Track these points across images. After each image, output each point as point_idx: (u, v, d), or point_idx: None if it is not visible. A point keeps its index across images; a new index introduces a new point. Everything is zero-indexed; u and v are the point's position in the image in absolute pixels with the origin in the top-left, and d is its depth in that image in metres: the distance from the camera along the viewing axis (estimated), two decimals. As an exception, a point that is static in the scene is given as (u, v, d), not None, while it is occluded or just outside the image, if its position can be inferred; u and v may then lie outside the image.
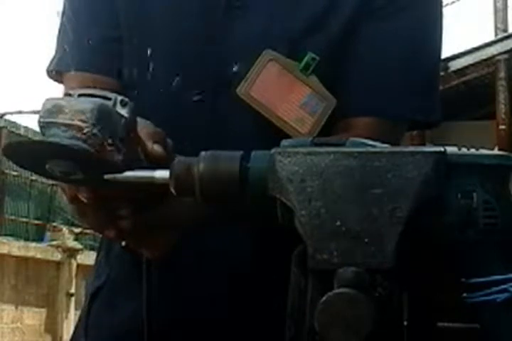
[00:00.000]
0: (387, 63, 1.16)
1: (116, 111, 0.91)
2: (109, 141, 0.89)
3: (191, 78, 1.17)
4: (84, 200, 0.95)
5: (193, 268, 1.15)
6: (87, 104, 0.89)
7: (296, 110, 1.12)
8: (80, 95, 0.92)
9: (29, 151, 0.90)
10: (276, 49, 1.13)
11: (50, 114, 0.89)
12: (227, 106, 1.14)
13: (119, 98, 0.92)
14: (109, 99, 0.92)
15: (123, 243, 1.03)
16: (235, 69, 1.14)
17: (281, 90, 1.12)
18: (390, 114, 1.16)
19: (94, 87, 0.99)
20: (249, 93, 1.12)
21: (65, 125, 0.88)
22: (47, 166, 0.89)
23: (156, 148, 0.98)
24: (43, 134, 0.89)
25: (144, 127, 0.97)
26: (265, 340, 1.09)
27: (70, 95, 0.92)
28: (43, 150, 0.89)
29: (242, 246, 1.15)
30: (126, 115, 0.92)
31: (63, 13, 1.26)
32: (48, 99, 0.91)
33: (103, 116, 0.89)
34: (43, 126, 0.89)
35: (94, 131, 0.88)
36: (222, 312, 1.15)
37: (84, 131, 0.88)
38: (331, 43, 1.15)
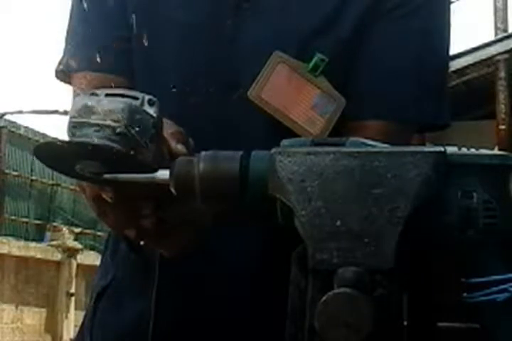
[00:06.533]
0: (399, 65, 1.16)
1: (145, 111, 0.91)
2: (140, 140, 0.89)
3: (200, 79, 1.17)
4: (109, 200, 0.95)
5: (202, 268, 1.15)
6: (118, 104, 0.89)
7: (307, 111, 1.12)
8: (107, 95, 0.91)
9: (60, 152, 0.90)
10: (286, 50, 1.13)
11: (81, 114, 0.89)
12: (237, 108, 1.14)
13: (147, 97, 0.92)
14: (137, 98, 0.92)
15: (141, 242, 1.03)
16: (244, 69, 1.14)
17: (291, 92, 1.12)
18: (400, 117, 1.16)
19: (115, 87, 0.98)
20: (260, 96, 1.12)
21: (98, 125, 0.88)
22: (77, 167, 0.89)
23: (180, 147, 0.98)
24: (73, 134, 0.89)
25: (167, 127, 0.98)
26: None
27: (96, 94, 0.91)
28: (74, 151, 0.89)
29: (253, 246, 1.15)
30: (154, 115, 0.92)
31: (71, 13, 1.26)
32: (77, 99, 0.91)
33: (134, 116, 0.89)
34: (75, 126, 0.89)
35: (127, 130, 0.88)
36: (229, 312, 1.15)
37: (117, 131, 0.88)
38: (341, 44, 1.15)
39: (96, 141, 0.87)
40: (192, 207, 0.94)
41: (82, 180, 0.94)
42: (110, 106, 0.89)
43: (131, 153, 0.89)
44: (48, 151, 0.91)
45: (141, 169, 0.89)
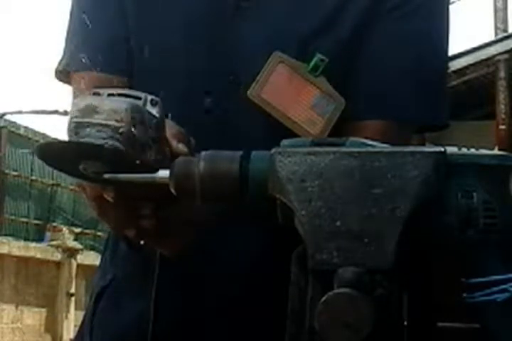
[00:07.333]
0: (399, 65, 1.16)
1: (148, 111, 0.91)
2: (143, 140, 0.89)
3: (201, 80, 1.17)
4: (110, 200, 0.95)
5: (202, 268, 1.15)
6: (121, 103, 0.89)
7: (307, 111, 1.12)
8: (109, 95, 0.91)
9: (63, 152, 0.90)
10: (286, 50, 1.13)
11: (84, 114, 0.88)
12: (238, 108, 1.14)
13: (149, 97, 0.92)
14: (139, 98, 0.91)
15: (141, 242, 1.03)
16: (244, 69, 1.14)
17: (291, 92, 1.12)
18: (400, 117, 1.16)
19: (111, 87, 0.98)
20: (260, 95, 1.12)
21: (101, 125, 0.87)
22: (80, 167, 0.89)
23: (181, 147, 0.98)
24: (76, 134, 0.89)
25: (168, 127, 0.98)
26: None
27: (98, 94, 0.91)
28: (77, 151, 0.88)
29: (253, 246, 1.15)
30: (157, 115, 0.92)
31: (71, 13, 1.26)
32: (79, 99, 0.91)
33: (137, 116, 0.89)
34: (77, 126, 0.88)
35: (129, 131, 0.88)
36: (229, 312, 1.15)
37: (120, 131, 0.87)
38: (340, 44, 1.15)
39: (99, 141, 0.87)
40: (192, 207, 0.94)
41: (85, 180, 0.94)
42: (113, 106, 0.89)
43: (134, 153, 0.89)
44: (50, 151, 0.90)
45: (143, 169, 0.89)
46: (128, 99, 0.90)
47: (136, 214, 0.97)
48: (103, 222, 1.03)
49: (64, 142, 0.90)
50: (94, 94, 0.92)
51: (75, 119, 0.89)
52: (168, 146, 0.97)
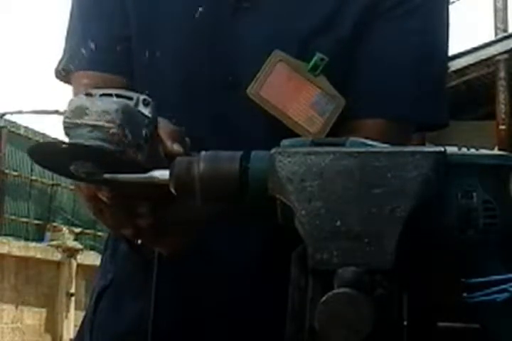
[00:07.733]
0: (398, 65, 1.16)
1: (140, 111, 0.91)
2: (134, 141, 0.89)
3: (200, 79, 1.17)
4: (105, 199, 0.95)
5: (202, 268, 1.15)
6: (112, 104, 0.89)
7: (306, 110, 1.12)
8: (101, 95, 0.91)
9: (54, 152, 0.90)
10: (286, 49, 1.13)
11: (75, 115, 0.89)
12: (238, 108, 1.14)
13: (142, 97, 0.92)
14: (131, 98, 0.92)
15: (138, 241, 1.03)
16: (244, 69, 1.14)
17: (290, 91, 1.12)
18: (399, 116, 1.16)
19: (111, 87, 0.98)
20: (259, 93, 1.12)
21: (91, 126, 0.88)
22: (71, 167, 0.89)
23: (176, 147, 0.98)
24: (68, 135, 0.89)
25: (163, 126, 0.98)
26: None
27: (91, 95, 0.91)
28: (68, 152, 0.89)
29: (253, 246, 1.15)
30: (149, 115, 0.92)
31: (71, 13, 1.27)
32: (71, 100, 0.91)
33: (128, 117, 0.89)
34: (68, 126, 0.89)
35: (120, 131, 0.88)
36: (229, 312, 1.15)
37: (111, 132, 0.88)
38: (340, 43, 1.15)
39: (89, 141, 0.87)
40: (192, 206, 0.94)
41: (77, 180, 0.94)
42: (104, 106, 0.89)
43: (124, 153, 0.89)
44: (43, 152, 0.91)
45: (134, 169, 0.89)
46: (119, 100, 0.90)
47: (132, 214, 0.97)
48: (99, 221, 1.03)
49: (55, 143, 0.90)
50: (87, 94, 0.92)
51: (67, 120, 0.89)
52: (162, 146, 0.97)
